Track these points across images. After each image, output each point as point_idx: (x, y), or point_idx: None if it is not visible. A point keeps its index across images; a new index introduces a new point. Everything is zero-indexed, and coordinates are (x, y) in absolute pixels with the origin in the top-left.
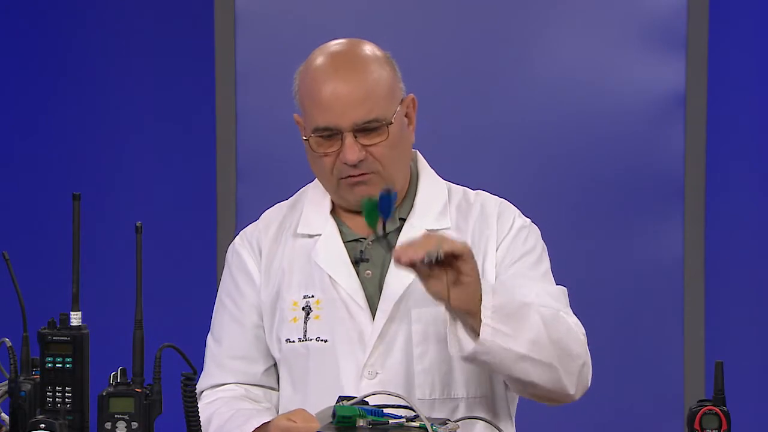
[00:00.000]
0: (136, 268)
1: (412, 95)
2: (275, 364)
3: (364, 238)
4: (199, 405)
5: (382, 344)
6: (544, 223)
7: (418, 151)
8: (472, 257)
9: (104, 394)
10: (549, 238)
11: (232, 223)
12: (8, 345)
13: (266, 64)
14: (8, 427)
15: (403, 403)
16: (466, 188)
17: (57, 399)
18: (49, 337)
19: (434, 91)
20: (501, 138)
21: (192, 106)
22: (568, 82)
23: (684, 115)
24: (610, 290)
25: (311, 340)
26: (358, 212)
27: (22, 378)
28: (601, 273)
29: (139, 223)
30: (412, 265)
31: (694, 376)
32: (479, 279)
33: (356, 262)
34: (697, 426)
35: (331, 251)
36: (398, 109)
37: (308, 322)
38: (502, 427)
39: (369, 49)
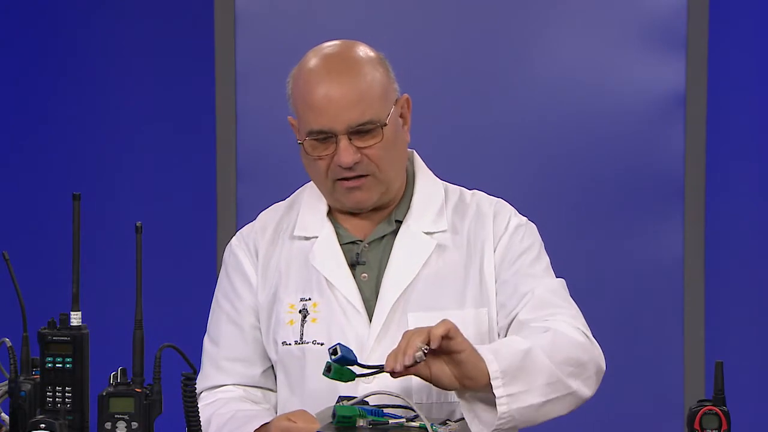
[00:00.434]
0: (136, 268)
1: (406, 95)
2: (273, 366)
3: (361, 241)
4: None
5: (378, 348)
6: (544, 223)
7: (414, 151)
8: (458, 331)
9: (104, 394)
10: (549, 238)
11: (232, 223)
12: (8, 345)
13: (266, 64)
14: (8, 427)
15: (402, 403)
16: (463, 188)
17: (57, 399)
18: (49, 337)
19: (434, 90)
20: (501, 138)
21: (192, 106)
22: (568, 82)
23: (684, 115)
24: (610, 290)
25: (308, 343)
26: (354, 214)
27: (22, 378)
28: (601, 273)
29: (139, 223)
30: (408, 369)
31: (694, 376)
32: (473, 348)
33: (353, 265)
34: (697, 426)
35: (327, 254)
36: (392, 110)
37: (305, 325)
38: None
39: (362, 50)
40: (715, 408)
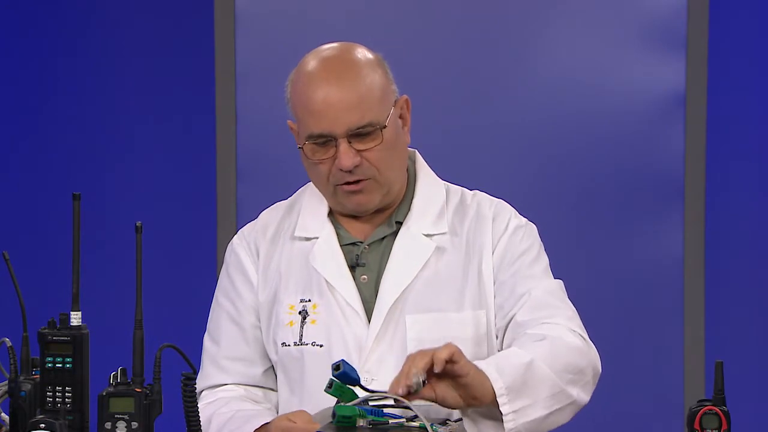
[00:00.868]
0: (136, 268)
1: (405, 96)
2: (273, 366)
3: (361, 242)
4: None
5: (377, 350)
6: (544, 223)
7: (417, 152)
8: (461, 354)
9: (104, 394)
10: (549, 238)
11: (232, 223)
12: (8, 345)
13: (266, 64)
14: (8, 427)
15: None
16: (464, 189)
17: (57, 399)
18: (49, 337)
19: (434, 91)
20: (501, 138)
21: (192, 106)
22: (568, 82)
23: (684, 115)
24: (610, 290)
25: (307, 344)
26: (355, 216)
27: (22, 378)
28: (601, 273)
29: (139, 223)
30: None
31: (694, 376)
32: (476, 369)
33: (353, 267)
34: (697, 426)
35: (328, 255)
36: (392, 111)
37: (304, 326)
38: None
39: (360, 52)
40: (715, 408)
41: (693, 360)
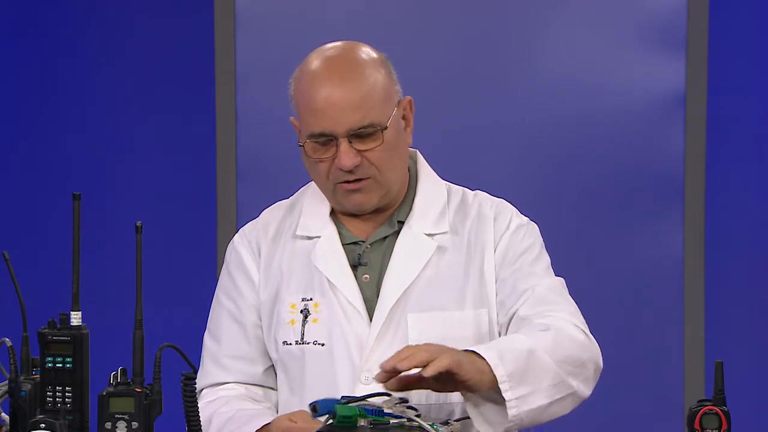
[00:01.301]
0: (136, 268)
1: (408, 97)
2: (274, 365)
3: (363, 241)
4: (198, 403)
5: (378, 349)
6: (545, 223)
7: (418, 152)
8: (461, 366)
9: (104, 394)
10: (549, 238)
11: (232, 223)
12: (8, 345)
13: (266, 64)
14: (8, 427)
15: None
16: (466, 189)
17: (57, 399)
18: (49, 337)
19: (434, 91)
20: (501, 138)
21: (192, 106)
22: (568, 82)
23: (684, 115)
24: (610, 290)
25: (308, 343)
26: (356, 215)
27: (22, 378)
28: (601, 273)
29: (139, 223)
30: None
31: (694, 376)
32: (474, 369)
33: (354, 266)
34: (697, 426)
35: (330, 254)
36: (394, 112)
37: (306, 325)
38: None
39: (364, 51)
40: (715, 408)
41: (693, 360)
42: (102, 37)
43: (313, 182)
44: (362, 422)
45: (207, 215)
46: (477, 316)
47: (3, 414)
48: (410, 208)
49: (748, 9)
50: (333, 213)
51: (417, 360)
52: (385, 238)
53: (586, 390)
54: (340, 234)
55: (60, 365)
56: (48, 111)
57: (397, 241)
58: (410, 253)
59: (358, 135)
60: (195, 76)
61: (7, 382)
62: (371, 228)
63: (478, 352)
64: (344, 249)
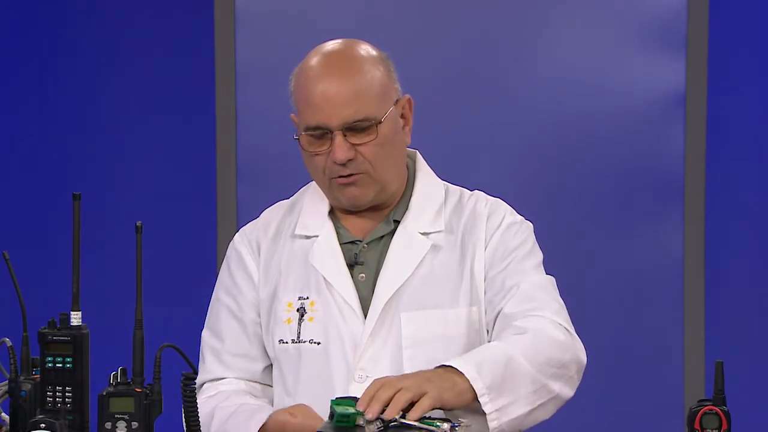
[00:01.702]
0: (136, 267)
1: (408, 96)
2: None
3: (360, 240)
4: (198, 398)
5: (371, 347)
6: (545, 223)
7: (417, 152)
8: (444, 401)
9: (104, 394)
10: (549, 238)
11: (232, 223)
12: (8, 345)
13: (266, 64)
14: (8, 427)
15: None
16: (464, 189)
17: (57, 399)
18: (49, 337)
19: (434, 91)
20: (501, 138)
21: (192, 106)
22: (568, 82)
23: (684, 115)
24: (610, 290)
25: (304, 342)
26: (354, 213)
27: (22, 378)
28: (601, 273)
29: (139, 223)
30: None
31: (694, 376)
32: (458, 393)
33: (351, 265)
34: (697, 426)
35: (327, 253)
36: (391, 109)
37: (302, 323)
38: None
39: (363, 48)
40: (715, 408)
41: (693, 360)
42: (102, 37)
43: (313, 183)
44: (361, 422)
45: (207, 215)
46: (469, 314)
47: (3, 414)
48: (407, 207)
49: (748, 9)
50: (332, 212)
51: (401, 405)
52: (382, 237)
53: (569, 391)
54: (337, 233)
55: (60, 365)
56: (48, 111)
57: (392, 240)
58: (405, 251)
59: (353, 128)
60: (195, 76)
61: (7, 382)
62: (369, 227)
63: (455, 366)
64: (341, 248)
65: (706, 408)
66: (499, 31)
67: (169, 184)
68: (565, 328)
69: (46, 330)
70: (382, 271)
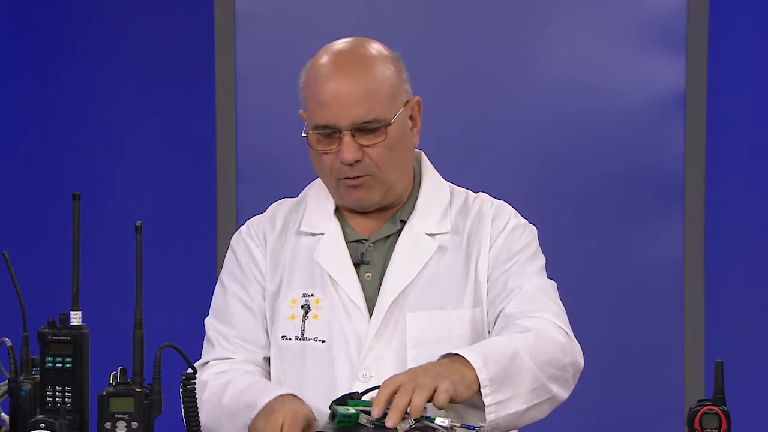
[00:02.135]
0: (136, 267)
1: (417, 98)
2: None
3: (366, 240)
4: (202, 373)
5: (376, 346)
6: (545, 223)
7: (423, 153)
8: (457, 392)
9: (104, 394)
10: (549, 238)
11: (232, 223)
12: (8, 345)
13: (266, 64)
14: (8, 427)
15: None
16: (469, 191)
17: (57, 399)
18: (49, 337)
19: (434, 91)
20: (500, 138)
21: (192, 107)
22: (568, 82)
23: (684, 115)
24: (610, 290)
25: (308, 339)
26: (360, 213)
27: (22, 378)
28: (601, 273)
29: (139, 223)
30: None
31: (694, 376)
32: (468, 385)
33: (357, 264)
34: (697, 426)
35: (332, 251)
36: (401, 110)
37: (306, 321)
38: None
39: (375, 48)
40: (715, 408)
41: (693, 360)
42: (102, 37)
43: (318, 180)
44: (364, 420)
45: (207, 215)
46: (474, 314)
47: (3, 414)
48: (413, 208)
49: (748, 9)
50: (338, 210)
51: (421, 407)
52: (388, 237)
53: (565, 393)
54: (344, 232)
55: (60, 365)
56: (48, 111)
57: (399, 240)
58: (411, 252)
59: (362, 129)
60: (195, 76)
61: (7, 382)
62: (375, 227)
63: (462, 355)
64: (347, 246)
65: (706, 408)
66: (500, 31)
67: (169, 184)
68: (565, 331)
69: (46, 330)
70: (388, 270)
